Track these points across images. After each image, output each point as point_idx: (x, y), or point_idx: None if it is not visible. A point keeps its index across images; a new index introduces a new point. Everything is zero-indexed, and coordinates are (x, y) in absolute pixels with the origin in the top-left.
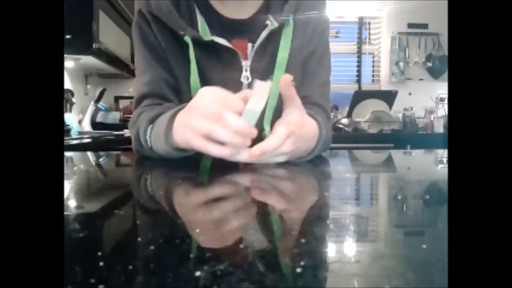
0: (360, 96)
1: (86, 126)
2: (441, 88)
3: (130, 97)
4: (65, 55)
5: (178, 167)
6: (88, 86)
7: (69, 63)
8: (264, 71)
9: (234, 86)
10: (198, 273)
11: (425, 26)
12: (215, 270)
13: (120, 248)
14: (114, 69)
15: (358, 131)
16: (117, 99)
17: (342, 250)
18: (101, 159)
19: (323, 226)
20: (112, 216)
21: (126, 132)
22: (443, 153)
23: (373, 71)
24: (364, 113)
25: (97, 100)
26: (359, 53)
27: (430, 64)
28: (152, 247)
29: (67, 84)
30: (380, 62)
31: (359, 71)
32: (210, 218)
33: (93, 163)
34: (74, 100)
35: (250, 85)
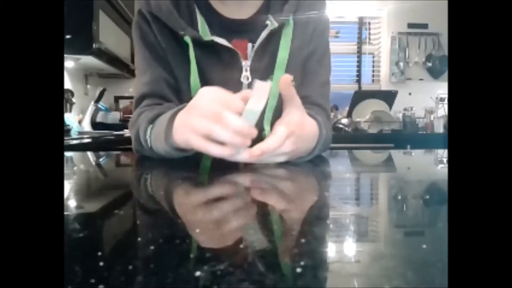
0: (360, 96)
1: (86, 126)
2: (441, 88)
3: (130, 97)
4: (65, 55)
5: (178, 167)
6: (88, 86)
7: (69, 63)
8: (264, 71)
9: (234, 86)
10: (198, 273)
11: (425, 26)
12: (215, 270)
13: (120, 248)
14: (114, 69)
15: (358, 131)
16: (117, 99)
17: (342, 250)
18: (101, 159)
19: (323, 226)
20: (112, 216)
21: (126, 132)
22: (443, 153)
23: (373, 71)
24: (364, 113)
25: (97, 100)
26: (359, 53)
27: (430, 64)
28: (152, 247)
29: (67, 84)
30: (380, 62)
31: (359, 71)
32: (210, 218)
33: (93, 163)
34: (74, 100)
35: (250, 85)
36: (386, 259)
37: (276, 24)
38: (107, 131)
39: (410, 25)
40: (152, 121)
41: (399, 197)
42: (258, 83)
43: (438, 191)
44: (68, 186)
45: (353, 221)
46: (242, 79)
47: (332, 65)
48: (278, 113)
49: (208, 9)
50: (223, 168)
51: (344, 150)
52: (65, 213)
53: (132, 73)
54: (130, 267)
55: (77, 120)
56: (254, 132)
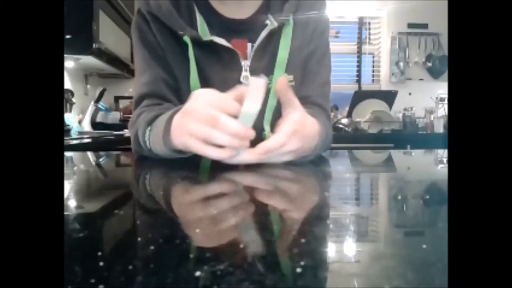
0: (360, 96)
1: (86, 126)
2: (441, 88)
3: (130, 97)
4: (65, 55)
5: (178, 167)
6: (88, 86)
7: (69, 63)
8: (264, 70)
9: (234, 86)
10: (198, 273)
11: (425, 26)
12: (215, 270)
13: (120, 248)
14: (114, 69)
15: (358, 131)
16: (117, 99)
17: (342, 250)
18: (101, 159)
19: (323, 226)
20: (112, 216)
21: (126, 132)
22: (443, 153)
23: (373, 71)
24: (364, 113)
25: (97, 100)
26: (359, 53)
27: (430, 64)
28: (152, 247)
29: (67, 84)
30: (380, 62)
31: (359, 71)
32: (210, 218)
33: (93, 163)
34: (74, 100)
35: None
36: (386, 259)
37: (275, 24)
38: (107, 131)
39: (410, 25)
40: (150, 122)
41: (399, 197)
42: (252, 81)
43: (438, 191)
44: (68, 186)
45: (353, 221)
46: (242, 79)
47: (332, 65)
48: (278, 113)
49: (208, 9)
50: (222, 168)
51: (344, 150)
52: (65, 213)
53: (132, 73)
54: (130, 267)
55: (77, 120)
56: (252, 134)
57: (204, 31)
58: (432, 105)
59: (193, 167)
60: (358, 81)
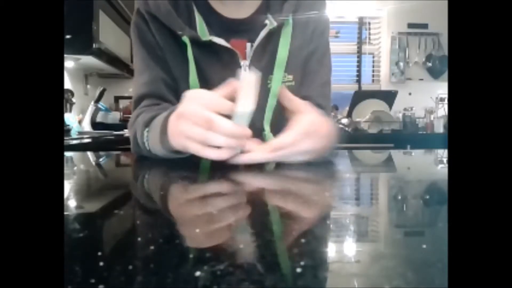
0: (360, 96)
1: (86, 126)
2: (441, 88)
3: (130, 97)
4: (65, 55)
5: (178, 167)
6: (88, 86)
7: (69, 63)
8: (263, 70)
9: None
10: (198, 273)
11: (425, 26)
12: (215, 270)
13: (120, 248)
14: (114, 69)
15: (358, 131)
16: (117, 99)
17: (342, 250)
18: (101, 159)
19: (323, 226)
20: (112, 216)
21: (126, 132)
22: (443, 153)
23: (373, 71)
24: (364, 113)
25: (97, 100)
26: (359, 53)
27: (430, 64)
28: (152, 247)
29: (67, 84)
30: (380, 62)
31: (359, 71)
32: (210, 218)
33: (93, 163)
34: (74, 100)
35: None
36: (386, 259)
37: (275, 24)
38: (107, 131)
39: (410, 25)
40: (147, 124)
41: (399, 197)
42: (244, 77)
43: (438, 191)
44: (68, 186)
45: (353, 221)
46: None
47: (332, 65)
48: (278, 113)
49: (207, 8)
50: (222, 167)
51: (344, 150)
52: (65, 213)
53: (132, 73)
54: (130, 267)
55: (77, 120)
56: (248, 132)
57: (203, 31)
58: (432, 105)
59: (193, 167)
60: (358, 81)
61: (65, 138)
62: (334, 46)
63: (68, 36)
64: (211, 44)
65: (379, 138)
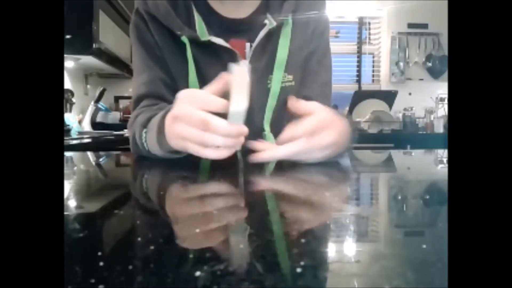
0: (360, 96)
1: (86, 126)
2: (441, 88)
3: (130, 97)
4: (65, 55)
5: (177, 167)
6: (88, 86)
7: (69, 63)
8: (263, 70)
9: None
10: (198, 273)
11: (425, 26)
12: (215, 270)
13: (120, 248)
14: (114, 69)
15: (358, 131)
16: (117, 99)
17: (342, 250)
18: (101, 159)
19: (323, 226)
20: (112, 216)
21: (126, 132)
22: (443, 153)
23: (373, 71)
24: (364, 113)
25: (97, 100)
26: (359, 53)
27: (430, 64)
28: (152, 247)
29: (67, 84)
30: (380, 62)
31: (359, 71)
32: (211, 218)
33: (93, 163)
34: (74, 100)
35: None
36: (386, 259)
37: (274, 24)
38: (107, 131)
39: (410, 25)
40: (145, 125)
41: (399, 197)
42: (235, 71)
43: (438, 191)
44: (68, 186)
45: (353, 221)
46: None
47: (332, 65)
48: (278, 113)
49: (206, 8)
50: (222, 167)
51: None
52: (65, 213)
53: (132, 73)
54: (130, 267)
55: (77, 120)
56: (245, 130)
57: (202, 31)
58: (432, 105)
59: (192, 167)
60: (358, 81)
61: (65, 138)
62: (334, 46)
63: (68, 36)
64: (210, 44)
65: (379, 138)
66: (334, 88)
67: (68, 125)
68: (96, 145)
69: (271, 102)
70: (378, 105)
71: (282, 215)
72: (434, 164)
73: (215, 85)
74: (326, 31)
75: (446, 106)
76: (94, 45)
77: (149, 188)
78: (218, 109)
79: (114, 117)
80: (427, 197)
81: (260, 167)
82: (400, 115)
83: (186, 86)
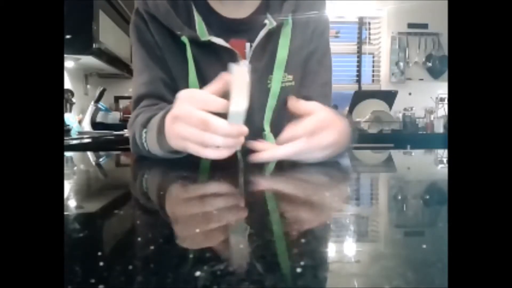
0: (360, 96)
1: (86, 126)
2: (441, 88)
3: (130, 97)
4: (65, 55)
5: (177, 167)
6: (88, 86)
7: (69, 63)
8: (263, 70)
9: None
10: (198, 273)
11: (425, 26)
12: (215, 270)
13: (120, 248)
14: (114, 69)
15: (358, 131)
16: (117, 99)
17: (342, 250)
18: (101, 159)
19: (323, 226)
20: (112, 216)
21: (126, 132)
22: (443, 153)
23: (373, 71)
24: (364, 113)
25: (97, 100)
26: (359, 53)
27: (430, 64)
28: (152, 247)
29: (67, 84)
30: (380, 62)
31: (359, 71)
32: (211, 218)
33: (93, 163)
34: (74, 100)
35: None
36: (386, 259)
37: (274, 24)
38: (107, 131)
39: (410, 25)
40: (145, 125)
41: (399, 197)
42: (235, 71)
43: (438, 191)
44: (68, 186)
45: (353, 221)
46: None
47: (332, 65)
48: (278, 113)
49: (206, 8)
50: (222, 167)
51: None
52: (65, 213)
53: (132, 73)
54: (130, 267)
55: (77, 120)
56: (245, 130)
57: (202, 31)
58: (432, 105)
59: (192, 167)
60: (358, 81)
61: (65, 138)
62: (334, 46)
63: (68, 36)
64: (210, 44)
65: (379, 138)
66: (334, 88)
67: (68, 125)
68: (96, 145)
69: (271, 102)
70: (378, 105)
71: (282, 215)
72: (434, 164)
73: (215, 85)
74: (326, 31)
75: (446, 106)
76: (94, 45)
77: (149, 188)
78: (218, 109)
79: (114, 117)
80: (427, 197)
81: (260, 167)
82: (400, 115)
83: (186, 86)
